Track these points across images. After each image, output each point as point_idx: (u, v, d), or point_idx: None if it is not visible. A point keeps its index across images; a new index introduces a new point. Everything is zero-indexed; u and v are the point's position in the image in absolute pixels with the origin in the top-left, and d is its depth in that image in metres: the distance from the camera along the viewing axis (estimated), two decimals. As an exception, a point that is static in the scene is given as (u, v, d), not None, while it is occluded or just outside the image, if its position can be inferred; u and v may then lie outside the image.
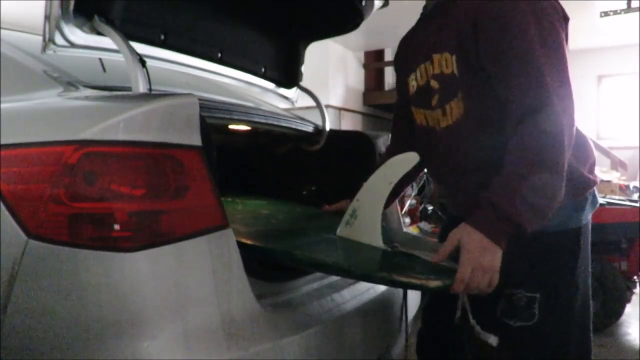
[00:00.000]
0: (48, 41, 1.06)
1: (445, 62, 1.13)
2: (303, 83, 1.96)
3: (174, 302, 0.87)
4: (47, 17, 1.05)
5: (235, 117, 1.41)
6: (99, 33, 1.12)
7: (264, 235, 1.25)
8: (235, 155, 1.98)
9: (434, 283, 0.96)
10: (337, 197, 1.51)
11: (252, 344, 0.94)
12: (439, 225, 4.16)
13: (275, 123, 1.58)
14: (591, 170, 1.18)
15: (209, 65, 1.57)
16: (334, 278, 1.32)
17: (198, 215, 0.92)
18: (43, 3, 1.04)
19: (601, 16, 5.92)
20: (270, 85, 1.89)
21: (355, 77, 7.69)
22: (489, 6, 1.05)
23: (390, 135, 1.55)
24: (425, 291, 1.00)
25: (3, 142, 0.94)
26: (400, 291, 1.48)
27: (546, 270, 1.13)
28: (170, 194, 0.89)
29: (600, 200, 3.16)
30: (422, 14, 1.29)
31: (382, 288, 1.41)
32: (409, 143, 1.34)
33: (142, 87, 1.04)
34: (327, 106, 6.48)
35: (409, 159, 1.14)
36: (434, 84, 1.16)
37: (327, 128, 1.84)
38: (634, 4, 5.52)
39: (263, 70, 1.80)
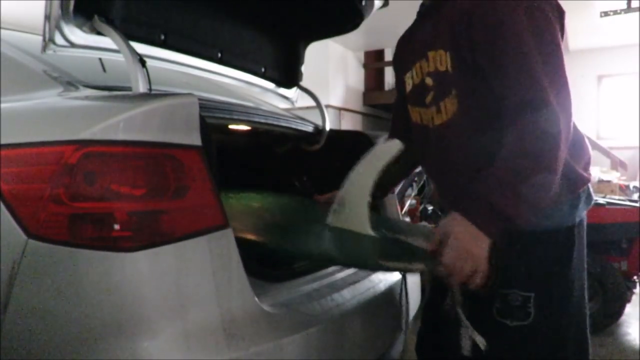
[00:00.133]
0: (48, 41, 1.06)
1: (440, 59, 1.13)
2: (303, 83, 1.96)
3: (174, 302, 0.87)
4: (47, 17, 1.05)
5: (235, 117, 1.41)
6: (99, 33, 1.12)
7: (254, 228, 1.26)
8: (235, 155, 1.98)
9: (417, 266, 0.98)
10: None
11: (252, 344, 0.94)
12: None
13: (275, 123, 1.58)
14: (586, 168, 1.19)
15: (209, 65, 1.57)
16: (334, 278, 1.32)
17: (198, 215, 0.92)
18: (43, 3, 1.04)
19: (601, 16, 5.93)
20: (270, 85, 1.89)
21: (355, 77, 7.69)
22: (483, 2, 1.05)
23: (388, 134, 1.55)
24: (408, 273, 1.02)
25: (3, 142, 0.94)
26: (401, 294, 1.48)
27: (540, 268, 1.13)
28: (170, 193, 0.89)
29: (600, 200, 3.19)
30: (419, 13, 1.29)
31: (382, 288, 1.41)
32: (407, 142, 1.33)
33: (142, 87, 1.04)
34: (327, 106, 6.47)
35: (392, 146, 1.15)
36: (429, 81, 1.17)
37: (327, 128, 1.84)
38: (634, 4, 5.52)
39: (263, 70, 1.79)
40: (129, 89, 1.06)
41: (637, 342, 2.98)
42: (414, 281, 1.63)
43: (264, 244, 1.10)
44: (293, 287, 1.18)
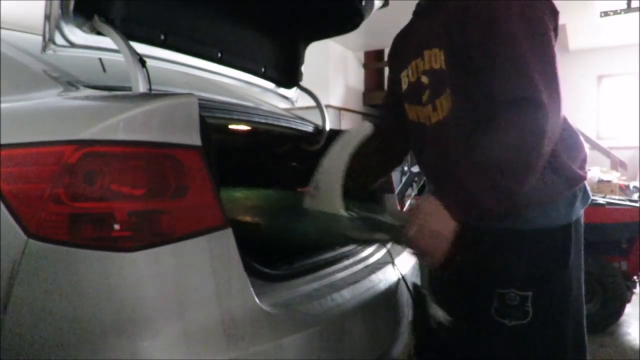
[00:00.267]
0: (48, 41, 1.06)
1: (435, 58, 1.14)
2: (303, 83, 1.96)
3: (173, 302, 0.87)
4: (47, 17, 1.05)
5: (235, 117, 1.41)
6: (99, 33, 1.12)
7: (245, 213, 1.29)
8: (235, 155, 1.98)
9: (381, 236, 1.05)
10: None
11: (252, 344, 0.94)
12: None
13: (275, 123, 1.58)
14: (582, 166, 1.19)
15: (209, 65, 1.57)
16: (334, 278, 1.32)
17: (198, 215, 0.92)
18: (43, 3, 1.04)
19: (601, 16, 5.93)
20: (270, 85, 1.89)
21: (355, 77, 7.70)
22: (478, 1, 1.06)
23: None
24: (373, 243, 1.07)
25: (3, 142, 0.94)
26: (402, 291, 1.48)
27: (537, 267, 1.13)
28: (170, 193, 0.89)
29: (600, 200, 3.19)
30: (415, 12, 1.30)
31: (382, 288, 1.41)
32: (393, 140, 1.41)
33: (142, 87, 1.04)
34: (327, 106, 6.48)
35: (363, 129, 1.21)
36: (424, 79, 1.18)
37: (327, 128, 1.84)
38: (634, 4, 5.52)
39: (263, 70, 1.79)
40: (129, 89, 1.06)
41: (637, 342, 2.98)
42: (414, 282, 1.64)
43: (251, 225, 1.14)
44: (293, 287, 1.18)
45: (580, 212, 1.19)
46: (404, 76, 1.26)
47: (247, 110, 1.51)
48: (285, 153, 1.92)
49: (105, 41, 1.13)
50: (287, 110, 1.96)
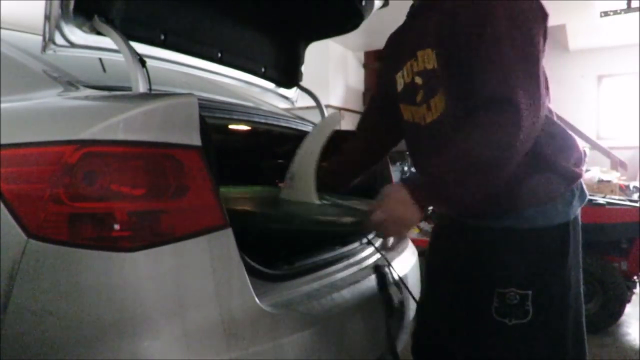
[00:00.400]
0: (48, 41, 1.06)
1: (427, 58, 1.15)
2: (303, 83, 1.96)
3: (174, 302, 0.87)
4: (47, 17, 1.05)
5: (235, 117, 1.41)
6: (99, 33, 1.12)
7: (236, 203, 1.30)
8: (235, 155, 1.98)
9: (346, 219, 1.09)
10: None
11: (252, 344, 0.94)
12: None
13: (275, 123, 1.58)
14: (577, 164, 1.20)
15: (209, 65, 1.57)
16: (334, 278, 1.32)
17: (198, 215, 0.92)
18: (43, 3, 1.04)
19: (601, 16, 5.93)
20: (270, 85, 1.89)
21: (355, 77, 7.69)
22: (468, 2, 1.08)
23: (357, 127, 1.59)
24: (339, 227, 1.14)
25: (3, 142, 0.94)
26: (402, 291, 1.48)
27: (536, 266, 1.14)
28: (170, 193, 0.89)
29: (600, 200, 3.18)
30: (409, 13, 1.30)
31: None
32: (376, 139, 1.45)
33: (142, 87, 1.04)
34: (327, 106, 6.48)
35: (332, 120, 1.28)
36: (418, 80, 1.18)
37: (327, 128, 1.84)
38: (634, 4, 5.52)
39: (263, 70, 1.80)
40: (129, 89, 1.06)
41: (637, 342, 2.98)
42: (414, 283, 1.64)
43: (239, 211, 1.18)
44: (293, 287, 1.18)
45: (577, 211, 1.20)
46: (399, 77, 1.26)
47: (247, 110, 1.51)
48: (285, 153, 1.92)
49: (105, 41, 1.13)
50: (287, 110, 1.96)
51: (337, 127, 1.26)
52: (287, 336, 1.01)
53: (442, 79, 1.13)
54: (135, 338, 0.84)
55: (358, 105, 7.70)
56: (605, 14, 5.85)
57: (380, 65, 1.46)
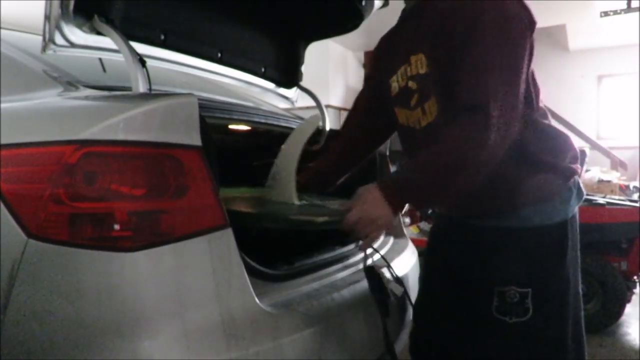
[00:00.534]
0: (48, 41, 1.06)
1: (421, 63, 1.16)
2: (303, 83, 1.96)
3: (174, 302, 0.87)
4: (47, 17, 1.05)
5: (235, 117, 1.41)
6: (99, 33, 1.12)
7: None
8: (235, 155, 1.98)
9: (320, 219, 1.12)
10: (336, 194, 1.52)
11: (252, 344, 0.94)
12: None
13: (275, 123, 1.58)
14: (572, 162, 1.21)
15: (209, 65, 1.57)
16: (334, 278, 1.32)
17: (198, 215, 0.92)
18: (43, 3, 1.04)
19: (601, 16, 5.93)
20: (270, 85, 1.89)
21: (355, 77, 7.69)
22: (458, 6, 1.09)
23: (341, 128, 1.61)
24: (314, 226, 1.15)
25: (3, 142, 0.94)
26: (402, 291, 1.48)
27: (535, 264, 1.16)
28: (170, 193, 0.89)
29: (600, 200, 3.18)
30: (401, 16, 1.31)
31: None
32: (362, 139, 1.48)
33: (142, 87, 1.04)
34: (327, 106, 6.46)
35: (312, 122, 1.32)
36: (412, 84, 1.20)
37: (327, 128, 1.84)
38: (634, 4, 5.52)
39: (263, 70, 1.79)
40: (129, 89, 1.06)
41: (637, 342, 2.98)
42: (414, 283, 1.64)
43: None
44: (293, 287, 1.18)
45: (575, 209, 1.22)
46: (393, 81, 1.27)
47: (247, 110, 1.51)
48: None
49: (105, 41, 1.13)
50: (287, 110, 1.96)
51: (325, 128, 1.31)
52: (287, 336, 1.01)
53: (434, 83, 1.14)
54: (135, 338, 0.84)
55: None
56: (605, 14, 5.85)
57: (369, 66, 1.46)
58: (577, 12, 6.06)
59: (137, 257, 0.85)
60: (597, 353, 2.76)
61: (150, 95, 0.99)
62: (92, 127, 0.87)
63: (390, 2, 1.74)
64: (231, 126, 1.59)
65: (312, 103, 1.93)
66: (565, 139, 1.22)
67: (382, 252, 1.62)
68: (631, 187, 5.05)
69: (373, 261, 1.42)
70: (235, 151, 1.98)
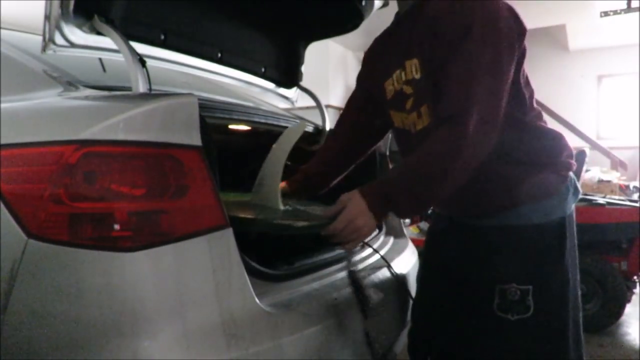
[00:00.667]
0: (48, 41, 1.06)
1: (415, 68, 1.17)
2: (303, 83, 1.96)
3: (174, 302, 0.87)
4: (47, 17, 1.05)
5: (235, 117, 1.41)
6: (99, 33, 1.12)
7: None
8: (235, 155, 1.98)
9: (300, 223, 1.14)
10: (336, 195, 1.52)
11: (252, 344, 0.94)
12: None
13: (275, 123, 1.58)
14: (567, 160, 1.23)
15: (209, 65, 1.57)
16: (334, 278, 1.32)
17: (198, 215, 0.92)
18: (43, 3, 1.04)
19: (601, 16, 5.93)
20: (270, 85, 1.89)
21: (355, 77, 7.68)
22: (448, 12, 1.10)
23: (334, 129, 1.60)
24: (293, 231, 1.19)
25: (3, 142, 0.94)
26: (401, 291, 1.48)
27: (535, 261, 1.17)
28: (170, 193, 0.89)
29: (600, 200, 3.18)
30: (395, 19, 1.31)
31: (382, 287, 1.42)
32: (354, 140, 1.48)
33: (142, 87, 1.04)
34: (327, 106, 6.46)
35: (298, 128, 1.34)
36: (407, 89, 1.20)
37: (327, 128, 1.84)
38: (634, 4, 5.52)
39: (263, 70, 1.79)
40: (129, 89, 1.06)
41: (637, 342, 2.98)
42: (414, 282, 1.64)
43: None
44: (293, 287, 1.18)
45: (572, 207, 1.24)
46: (388, 84, 1.28)
47: (247, 110, 1.51)
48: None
49: (105, 41, 1.13)
50: (287, 110, 1.96)
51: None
52: (287, 336, 1.01)
53: (426, 88, 1.15)
54: (135, 338, 0.84)
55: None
56: (605, 14, 5.85)
57: (361, 67, 1.46)
58: (577, 12, 6.06)
59: (137, 257, 0.85)
60: (597, 353, 2.76)
61: (150, 95, 0.99)
62: (92, 127, 0.87)
63: (390, 2, 1.74)
64: (231, 126, 1.59)
65: (312, 103, 1.93)
66: (560, 138, 1.23)
67: (382, 252, 1.62)
68: (631, 187, 5.05)
69: (354, 266, 1.44)
70: (235, 151, 1.98)
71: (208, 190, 0.94)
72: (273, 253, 1.29)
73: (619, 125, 7.69)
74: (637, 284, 3.19)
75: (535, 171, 1.17)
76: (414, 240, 2.00)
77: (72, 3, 1.05)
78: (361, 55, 1.47)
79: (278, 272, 1.17)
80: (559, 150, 1.22)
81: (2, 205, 0.90)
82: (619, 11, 5.71)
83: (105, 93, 1.09)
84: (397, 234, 1.93)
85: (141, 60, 1.06)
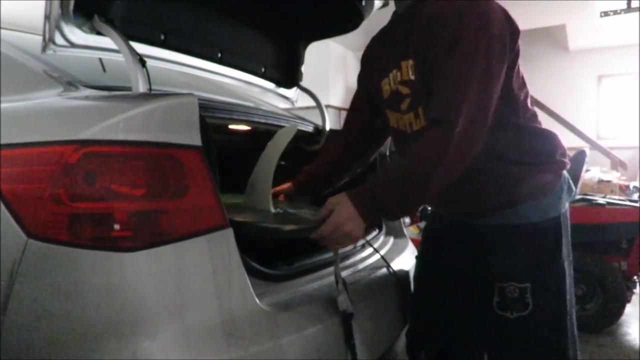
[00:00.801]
0: (48, 41, 1.06)
1: (411, 69, 1.17)
2: (303, 83, 1.96)
3: (174, 302, 0.87)
4: (47, 17, 1.05)
5: (235, 117, 1.41)
6: (99, 33, 1.12)
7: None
8: (236, 155, 1.99)
9: (288, 227, 1.14)
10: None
11: (252, 344, 0.94)
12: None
13: (275, 123, 1.58)
14: (562, 157, 1.24)
15: (209, 65, 1.57)
16: (334, 278, 1.32)
17: (198, 215, 0.92)
18: (43, 3, 1.04)
19: (601, 16, 5.94)
20: (270, 85, 1.89)
21: (355, 77, 7.66)
22: (441, 14, 1.10)
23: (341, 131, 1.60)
24: (281, 235, 1.16)
25: (3, 142, 0.94)
26: (401, 291, 1.48)
27: (533, 259, 1.18)
28: (170, 193, 0.89)
29: (600, 200, 3.18)
30: (392, 19, 1.31)
31: (382, 287, 1.41)
32: (358, 140, 1.48)
33: (142, 87, 1.04)
34: (327, 106, 6.48)
35: (288, 131, 1.33)
36: (403, 89, 1.20)
37: (327, 128, 1.84)
38: (634, 4, 5.53)
39: (263, 70, 1.79)
40: (129, 89, 1.06)
41: (637, 342, 2.98)
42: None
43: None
44: (293, 287, 1.18)
45: (566, 205, 1.25)
46: (385, 84, 1.28)
47: (247, 110, 1.51)
48: (285, 153, 1.92)
49: (105, 41, 1.13)
50: (287, 110, 1.96)
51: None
52: (287, 336, 1.01)
53: (421, 89, 1.15)
54: (135, 338, 0.84)
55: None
56: (605, 14, 5.85)
57: (360, 67, 1.46)
58: (577, 12, 6.06)
59: (137, 257, 0.85)
60: (597, 353, 2.76)
61: (150, 95, 0.99)
62: (92, 127, 0.87)
63: (390, 1, 1.74)
64: (231, 126, 1.59)
65: (312, 103, 1.93)
66: (553, 137, 1.25)
67: (382, 252, 1.62)
68: (631, 187, 5.05)
69: (354, 266, 1.44)
70: (235, 151, 1.98)
71: (208, 191, 0.94)
72: (273, 253, 1.29)
73: (619, 125, 7.70)
74: (637, 284, 3.19)
75: (532, 171, 1.18)
76: (414, 240, 2.00)
77: (72, 3, 1.05)
78: (361, 55, 1.46)
79: (278, 272, 1.18)
80: (553, 150, 1.23)
81: (2, 205, 0.90)
82: (619, 11, 5.71)
83: (105, 93, 1.09)
84: (397, 234, 1.93)
85: (141, 60, 1.06)
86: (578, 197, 3.27)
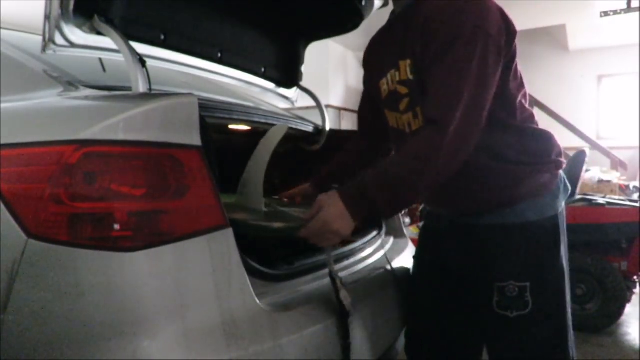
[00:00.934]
0: (48, 41, 1.06)
1: (409, 69, 1.17)
2: (303, 83, 1.96)
3: (174, 302, 0.87)
4: (47, 17, 1.05)
5: (235, 117, 1.41)
6: (99, 33, 1.12)
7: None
8: (235, 155, 1.98)
9: (277, 225, 1.15)
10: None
11: (252, 344, 0.94)
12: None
13: (275, 123, 1.58)
14: (558, 156, 1.25)
15: (209, 65, 1.57)
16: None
17: (198, 215, 0.92)
18: (43, 3, 1.04)
19: (601, 16, 5.93)
20: (270, 85, 1.89)
21: (355, 77, 7.69)
22: (439, 14, 1.10)
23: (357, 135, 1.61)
24: (269, 233, 1.18)
25: (3, 142, 0.94)
26: (401, 291, 1.48)
27: (532, 258, 1.18)
28: (170, 193, 0.89)
29: (600, 200, 3.18)
30: (390, 19, 1.31)
31: (382, 287, 1.41)
32: (377, 140, 1.49)
33: (142, 87, 1.04)
34: (327, 106, 6.48)
35: (279, 130, 1.35)
36: (402, 89, 1.21)
37: (327, 128, 1.84)
38: (634, 4, 5.53)
39: (263, 70, 1.79)
40: (129, 89, 1.06)
41: (637, 342, 2.98)
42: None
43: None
44: (293, 287, 1.18)
45: (563, 204, 1.26)
46: (383, 84, 1.28)
47: (247, 110, 1.51)
48: (285, 153, 1.92)
49: (105, 41, 1.13)
50: (287, 110, 1.96)
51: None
52: (287, 336, 1.01)
53: (418, 89, 1.15)
54: (135, 338, 0.84)
55: (358, 106, 7.70)
56: (605, 14, 5.85)
57: (363, 67, 1.47)
58: (577, 12, 6.06)
59: (137, 257, 0.85)
60: (597, 353, 2.76)
61: (150, 95, 0.99)
62: (92, 127, 0.87)
63: (389, 1, 1.74)
64: (231, 126, 1.59)
65: (312, 103, 1.93)
66: (550, 137, 1.25)
67: (382, 252, 1.62)
68: (631, 187, 5.05)
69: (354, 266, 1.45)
70: (235, 151, 1.98)
71: (208, 191, 0.94)
72: (273, 253, 1.29)
73: (619, 125, 7.70)
74: (637, 284, 3.19)
75: (530, 170, 1.19)
76: (414, 241, 2.00)
77: (72, 3, 1.05)
78: (361, 55, 1.47)
79: (278, 272, 1.17)
80: (550, 150, 1.24)
81: (2, 205, 0.90)
82: (619, 11, 5.71)
83: (105, 93, 1.09)
84: (397, 234, 1.93)
85: (141, 60, 1.06)
86: (578, 197, 3.27)
